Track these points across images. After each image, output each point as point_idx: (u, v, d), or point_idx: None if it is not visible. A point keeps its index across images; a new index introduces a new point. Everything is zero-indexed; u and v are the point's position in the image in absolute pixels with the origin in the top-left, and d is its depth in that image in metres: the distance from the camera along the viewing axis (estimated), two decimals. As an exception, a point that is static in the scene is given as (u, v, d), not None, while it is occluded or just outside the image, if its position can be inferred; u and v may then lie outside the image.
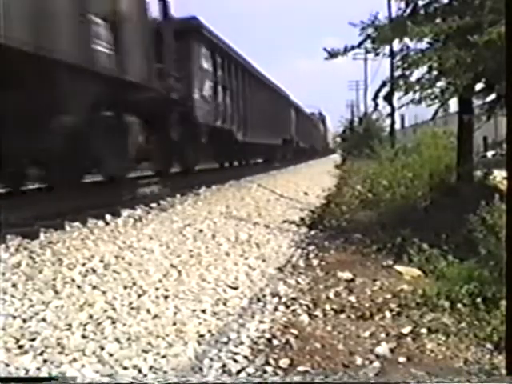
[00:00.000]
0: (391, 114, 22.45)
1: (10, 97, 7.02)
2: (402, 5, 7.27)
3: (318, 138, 50.11)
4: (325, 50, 7.21)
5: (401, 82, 7.25)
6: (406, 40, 7.09)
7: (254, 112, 22.34)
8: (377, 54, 7.31)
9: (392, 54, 8.36)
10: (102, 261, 5.41)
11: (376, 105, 9.12)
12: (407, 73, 7.19)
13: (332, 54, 7.15)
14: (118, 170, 10.92)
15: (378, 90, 8.14)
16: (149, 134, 11.94)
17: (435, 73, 7.06)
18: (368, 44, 7.04)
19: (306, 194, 13.52)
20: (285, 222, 8.72)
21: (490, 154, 34.04)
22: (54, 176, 9.40)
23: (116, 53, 9.58)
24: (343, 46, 7.15)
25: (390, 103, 8.89)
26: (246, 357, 3.37)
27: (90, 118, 8.96)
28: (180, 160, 16.05)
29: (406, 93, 7.28)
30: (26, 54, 6.95)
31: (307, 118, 44.19)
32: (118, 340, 3.54)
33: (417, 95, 7.23)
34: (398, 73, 7.56)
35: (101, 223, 7.29)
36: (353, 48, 7.13)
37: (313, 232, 7.84)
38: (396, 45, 7.52)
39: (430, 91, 7.17)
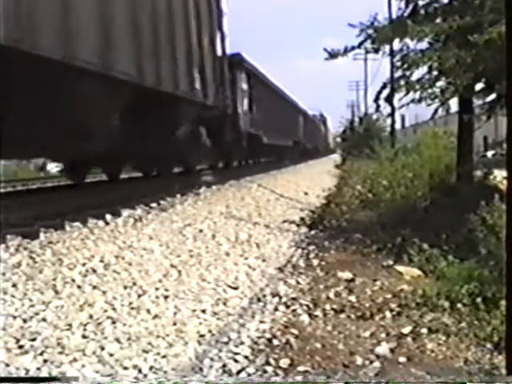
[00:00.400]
0: (392, 114, 22.45)
1: (153, 121, 11.84)
2: (402, 5, 7.28)
3: (320, 138, 54.68)
4: (325, 50, 7.21)
5: (401, 83, 7.25)
6: (406, 40, 7.09)
7: (273, 119, 28.20)
8: (376, 52, 7.31)
9: (392, 54, 8.36)
10: (102, 261, 5.41)
11: (378, 106, 9.12)
12: (407, 73, 7.19)
13: (332, 55, 7.15)
14: (195, 163, 16.69)
15: (379, 92, 8.14)
16: (210, 138, 16.62)
17: (435, 73, 7.06)
18: (368, 44, 7.04)
19: (306, 193, 13.52)
20: (285, 221, 8.72)
21: (490, 153, 34.05)
22: (161, 168, 14.99)
23: (202, 86, 14.82)
24: (343, 46, 7.15)
25: (391, 104, 8.89)
26: (246, 357, 3.37)
27: (190, 130, 14.42)
28: (228, 157, 21.74)
29: (407, 93, 7.28)
30: (169, 94, 12.24)
31: (312, 121, 49.32)
32: (118, 340, 3.54)
33: (417, 95, 7.24)
34: (398, 73, 7.56)
35: (101, 223, 7.29)
36: (353, 48, 7.12)
37: (313, 232, 7.84)
38: (396, 45, 7.52)
39: (430, 91, 7.17)
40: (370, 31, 6.86)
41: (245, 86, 22.53)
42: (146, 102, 11.11)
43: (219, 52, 17.13)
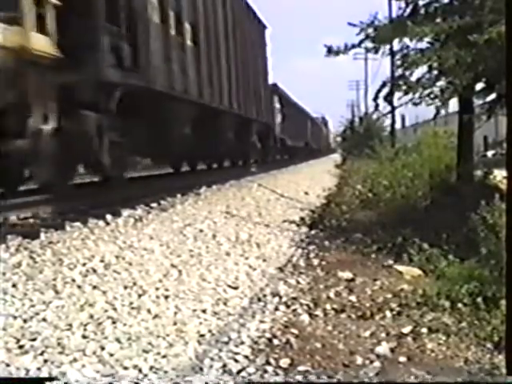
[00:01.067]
0: (391, 112, 22.43)
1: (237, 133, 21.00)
2: (403, 4, 7.27)
3: (323, 139, 64.48)
4: (325, 46, 7.19)
5: (401, 82, 7.25)
6: (406, 40, 7.09)
7: (292, 127, 39.88)
8: (376, 51, 7.30)
9: (392, 54, 8.36)
10: (102, 261, 5.41)
11: (376, 105, 9.12)
12: (407, 73, 7.19)
13: (332, 51, 7.13)
14: (250, 157, 24.70)
15: (379, 91, 8.13)
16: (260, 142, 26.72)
17: (435, 72, 7.06)
18: (368, 43, 7.04)
19: (306, 193, 13.52)
20: (285, 221, 8.72)
21: (490, 153, 34.04)
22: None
23: (261, 109, 25.25)
24: (344, 43, 7.15)
25: (391, 103, 8.88)
26: (246, 356, 3.37)
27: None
28: (268, 154, 31.00)
29: (406, 93, 7.28)
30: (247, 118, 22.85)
31: (316, 124, 58.64)
32: (118, 340, 3.54)
33: (417, 95, 7.23)
34: (398, 72, 7.55)
35: (101, 223, 7.29)
36: (353, 47, 7.11)
37: (313, 232, 7.84)
38: (396, 44, 7.51)
39: (429, 91, 7.17)
40: (370, 30, 6.86)
41: (278, 106, 34.86)
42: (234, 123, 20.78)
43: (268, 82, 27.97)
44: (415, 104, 7.39)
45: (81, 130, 9.14)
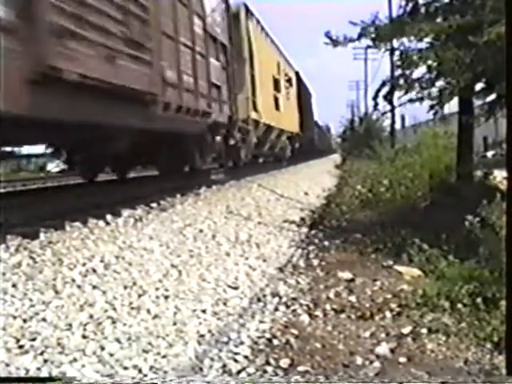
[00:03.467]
0: (391, 111, 22.41)
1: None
2: (403, 3, 7.28)
3: (326, 142, 72.67)
4: (326, 35, 7.18)
5: (401, 82, 7.26)
6: (406, 39, 7.10)
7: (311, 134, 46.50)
8: (376, 47, 7.31)
9: (392, 53, 8.36)
10: (102, 261, 5.40)
11: (376, 104, 9.12)
12: (407, 72, 7.20)
13: (332, 40, 7.13)
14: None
15: (378, 90, 8.13)
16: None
17: (435, 72, 7.06)
18: (368, 40, 7.05)
19: (306, 193, 13.51)
20: (285, 221, 8.72)
21: (490, 153, 34.02)
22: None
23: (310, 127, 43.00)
24: (343, 35, 7.16)
25: (390, 103, 8.88)
26: (246, 357, 3.37)
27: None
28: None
29: (406, 93, 7.28)
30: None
31: (322, 131, 66.27)
32: (118, 340, 3.54)
33: (415, 95, 7.25)
34: (398, 72, 7.56)
35: (101, 223, 7.28)
36: (352, 40, 7.10)
37: (313, 232, 7.84)
38: (396, 44, 7.52)
39: (428, 91, 7.18)
40: (371, 30, 6.87)
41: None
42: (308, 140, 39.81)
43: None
44: (412, 101, 7.40)
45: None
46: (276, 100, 25.43)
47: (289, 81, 31.30)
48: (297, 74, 36.26)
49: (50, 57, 6.32)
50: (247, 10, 19.76)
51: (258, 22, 22.23)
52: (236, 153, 17.92)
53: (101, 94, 7.56)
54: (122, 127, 9.06)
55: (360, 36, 7.06)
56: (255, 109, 19.89)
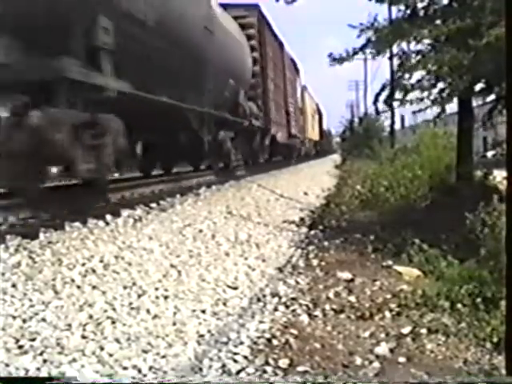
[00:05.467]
0: (391, 116, 22.46)
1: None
2: (402, 6, 7.27)
3: (328, 144, 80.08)
4: (329, 56, 7.18)
5: (401, 85, 7.26)
6: (406, 42, 7.10)
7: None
8: (378, 54, 7.30)
9: (391, 57, 8.37)
10: (101, 261, 5.40)
11: (377, 109, 9.13)
12: (407, 76, 7.20)
13: (336, 59, 7.14)
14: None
15: (378, 94, 8.13)
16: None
17: (434, 75, 7.06)
18: (369, 50, 7.05)
19: (305, 194, 13.52)
20: (285, 222, 8.72)
21: (489, 154, 34.03)
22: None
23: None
24: (345, 49, 7.14)
25: (390, 107, 8.88)
26: (245, 357, 3.37)
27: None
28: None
29: (405, 95, 7.29)
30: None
31: (325, 135, 73.96)
32: (117, 340, 3.54)
33: (415, 97, 7.25)
34: (398, 75, 7.56)
35: (101, 223, 7.28)
36: (355, 53, 7.10)
37: (312, 232, 7.84)
38: (396, 47, 7.52)
39: (428, 93, 7.18)
40: (370, 33, 6.86)
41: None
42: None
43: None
44: (412, 102, 7.40)
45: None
46: (311, 124, 47.65)
47: (314, 111, 52.61)
48: (316, 104, 56.86)
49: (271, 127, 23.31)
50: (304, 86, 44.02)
51: (306, 88, 45.14)
52: (299, 151, 37.25)
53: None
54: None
55: (362, 48, 7.06)
56: (307, 133, 43.20)
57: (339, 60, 7.14)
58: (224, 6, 16.93)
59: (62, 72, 7.23)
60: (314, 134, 49.21)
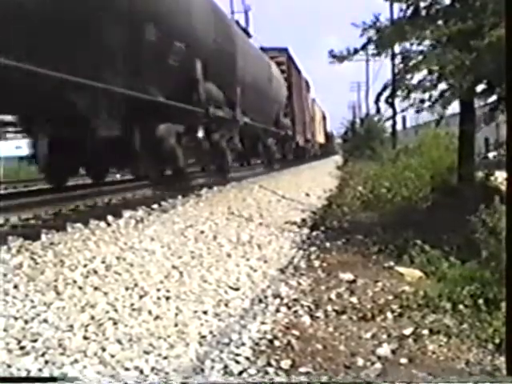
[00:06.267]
0: (393, 117, 22.42)
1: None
2: (404, 6, 7.27)
3: (331, 145, 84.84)
4: (330, 53, 7.19)
5: (402, 86, 7.25)
6: (407, 43, 7.10)
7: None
8: (379, 54, 7.30)
9: (393, 57, 8.36)
10: (103, 262, 5.40)
11: (378, 109, 9.15)
12: (408, 76, 7.19)
13: (336, 56, 7.14)
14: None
15: (380, 94, 8.13)
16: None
17: (436, 75, 7.06)
18: (371, 49, 7.05)
19: (307, 195, 13.51)
20: (286, 223, 8.72)
21: (491, 154, 34.01)
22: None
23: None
24: (345, 48, 7.14)
25: (392, 106, 8.88)
26: (247, 358, 3.37)
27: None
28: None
29: (408, 95, 7.28)
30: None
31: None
32: (119, 341, 3.55)
33: (417, 98, 7.25)
34: (399, 75, 7.55)
35: (102, 224, 7.28)
36: (356, 52, 7.11)
37: (314, 233, 7.84)
38: (397, 48, 7.52)
39: (430, 94, 7.18)
40: (372, 32, 6.86)
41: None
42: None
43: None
44: (413, 104, 7.40)
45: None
46: (319, 129, 53.49)
47: (321, 118, 58.74)
48: (322, 112, 62.33)
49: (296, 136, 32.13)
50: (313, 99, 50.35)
51: (315, 100, 51.01)
52: (309, 152, 43.24)
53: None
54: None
55: (364, 47, 7.06)
56: (316, 137, 48.44)
57: (339, 58, 7.14)
58: (265, 49, 25.71)
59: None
60: (320, 137, 57.66)
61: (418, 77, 7.21)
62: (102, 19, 8.31)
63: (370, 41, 6.93)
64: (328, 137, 70.74)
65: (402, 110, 8.12)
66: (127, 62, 9.26)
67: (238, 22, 22.82)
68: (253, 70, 19.55)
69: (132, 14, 9.13)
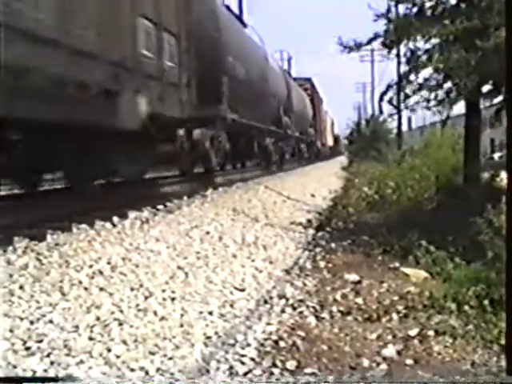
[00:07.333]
0: (398, 116, 22.40)
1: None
2: (409, 6, 7.28)
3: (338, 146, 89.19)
4: (339, 41, 7.20)
5: (407, 85, 7.25)
6: (414, 40, 7.10)
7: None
8: (387, 47, 7.32)
9: (399, 55, 8.36)
10: (109, 263, 5.41)
11: (381, 109, 9.17)
12: (414, 75, 7.19)
13: (345, 46, 7.15)
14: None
15: (383, 93, 8.12)
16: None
17: (442, 74, 7.05)
18: (379, 42, 7.07)
19: (313, 195, 13.51)
20: (292, 223, 8.72)
21: (496, 155, 33.98)
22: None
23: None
24: (353, 39, 7.19)
25: (396, 107, 8.87)
26: (252, 359, 3.37)
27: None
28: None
29: (412, 94, 7.28)
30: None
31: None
32: (124, 342, 3.55)
33: (422, 97, 7.24)
34: (404, 74, 7.55)
35: (108, 225, 7.29)
36: (361, 45, 7.12)
37: (320, 234, 7.84)
38: (403, 47, 7.52)
39: (435, 93, 7.17)
40: (383, 22, 6.91)
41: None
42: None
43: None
44: (425, 103, 7.39)
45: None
46: (329, 134, 60.23)
47: (331, 125, 65.81)
48: (332, 119, 69.85)
49: (317, 142, 46.78)
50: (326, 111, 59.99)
51: (327, 112, 61.62)
52: (322, 153, 49.92)
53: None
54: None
55: (370, 40, 7.08)
56: (327, 140, 57.74)
57: (347, 48, 7.15)
58: (294, 79, 36.12)
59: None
60: (330, 140, 65.23)
61: (423, 76, 7.22)
62: (267, 96, 21.02)
63: (376, 36, 6.94)
64: (336, 139, 76.41)
65: (407, 108, 8.10)
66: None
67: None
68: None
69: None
